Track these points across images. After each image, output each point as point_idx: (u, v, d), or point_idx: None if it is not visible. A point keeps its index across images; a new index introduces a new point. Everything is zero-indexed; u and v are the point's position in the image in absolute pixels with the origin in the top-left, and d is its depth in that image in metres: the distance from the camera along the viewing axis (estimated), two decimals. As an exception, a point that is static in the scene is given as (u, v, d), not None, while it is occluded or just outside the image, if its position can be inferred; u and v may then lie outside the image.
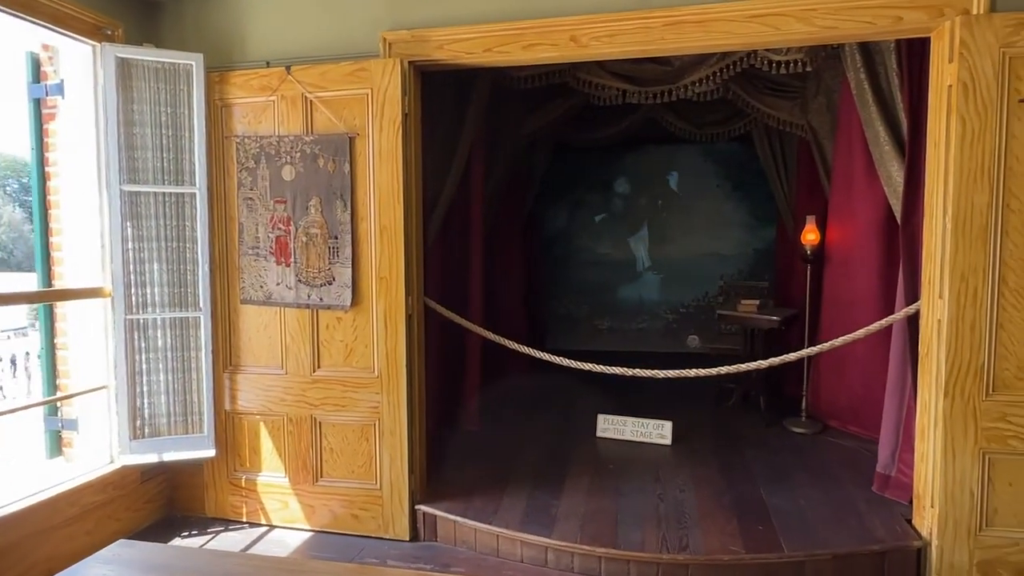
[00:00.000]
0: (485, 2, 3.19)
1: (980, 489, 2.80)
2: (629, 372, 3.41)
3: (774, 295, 6.03)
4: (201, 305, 3.43)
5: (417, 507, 3.39)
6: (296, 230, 3.42)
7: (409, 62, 3.28)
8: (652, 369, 3.38)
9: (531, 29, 3.15)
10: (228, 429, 3.58)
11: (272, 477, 3.55)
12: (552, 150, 6.31)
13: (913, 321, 3.25)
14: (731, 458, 3.96)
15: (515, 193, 5.57)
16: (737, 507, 3.31)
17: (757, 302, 4.71)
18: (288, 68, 3.35)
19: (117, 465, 3.33)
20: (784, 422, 4.47)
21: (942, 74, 2.85)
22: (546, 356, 3.50)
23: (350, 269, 3.35)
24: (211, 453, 3.47)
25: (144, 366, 3.36)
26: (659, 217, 7.32)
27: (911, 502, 3.20)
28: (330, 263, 3.39)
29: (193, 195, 3.41)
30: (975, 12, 2.74)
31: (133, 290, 3.33)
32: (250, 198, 3.47)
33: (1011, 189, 2.71)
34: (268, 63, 3.43)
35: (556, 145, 6.45)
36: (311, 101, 3.34)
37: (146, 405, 3.38)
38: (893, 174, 3.67)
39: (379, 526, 3.40)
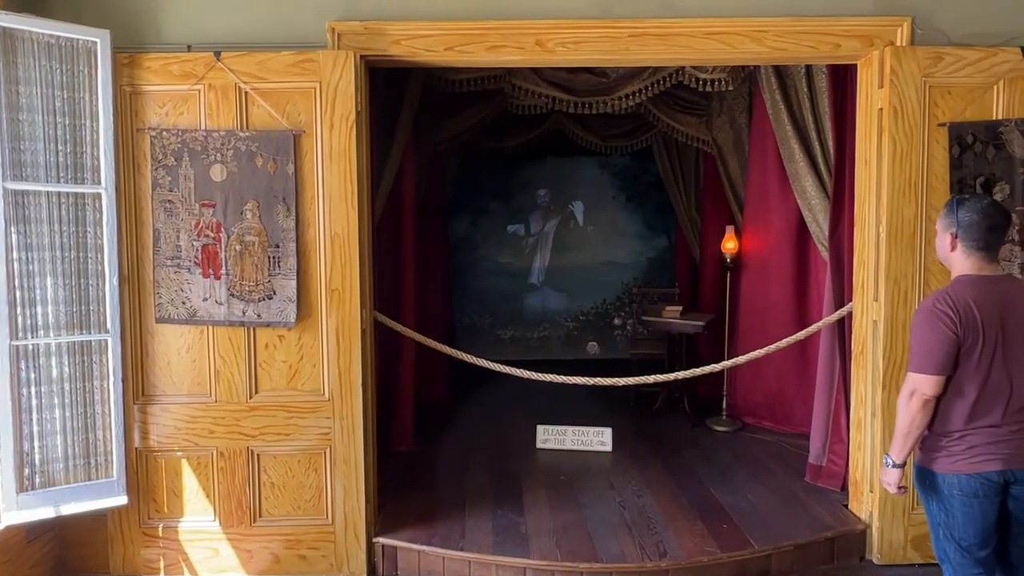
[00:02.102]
0: (447, -1, 3.04)
1: (912, 472, 3.10)
2: (591, 381, 3.40)
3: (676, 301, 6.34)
4: (109, 326, 2.90)
5: (375, 540, 3.11)
6: (228, 237, 3.01)
7: (361, 56, 3.02)
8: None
9: (496, 30, 3.04)
10: (140, 470, 3.06)
11: (197, 522, 3.08)
12: (461, 158, 6.18)
13: (840, 323, 3.56)
14: (671, 459, 4.07)
15: (435, 200, 5.38)
16: (696, 507, 3.40)
17: (680, 308, 4.91)
18: (218, 54, 2.95)
19: (0, 526, 2.71)
20: (707, 421, 4.70)
21: (871, 98, 3.15)
22: (508, 369, 3.39)
23: (295, 281, 3.01)
24: (122, 500, 2.94)
25: (34, 402, 2.77)
26: (560, 227, 7.44)
27: (843, 489, 3.49)
28: (270, 275, 3.02)
29: (97, 196, 2.89)
30: (899, 44, 3.06)
31: (20, 310, 2.73)
32: (169, 200, 3.00)
33: (932, 203, 3.04)
34: (190, 47, 3.00)
35: (462, 153, 6.33)
36: (247, 93, 2.97)
37: (37, 449, 2.78)
38: (807, 188, 4.00)
39: (331, 565, 3.07)
